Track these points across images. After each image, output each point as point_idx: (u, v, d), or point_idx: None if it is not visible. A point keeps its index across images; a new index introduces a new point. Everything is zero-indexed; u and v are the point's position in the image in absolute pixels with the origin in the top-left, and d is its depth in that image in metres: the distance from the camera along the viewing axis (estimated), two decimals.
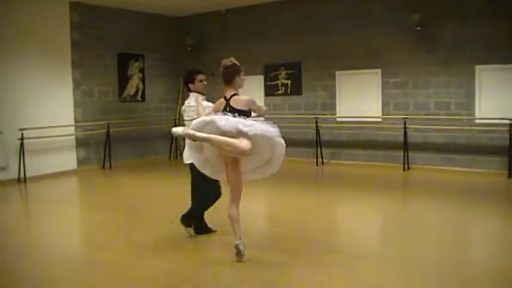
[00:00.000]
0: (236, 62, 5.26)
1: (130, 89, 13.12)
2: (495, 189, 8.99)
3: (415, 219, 7.05)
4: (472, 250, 5.91)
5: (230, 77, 5.20)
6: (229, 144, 4.78)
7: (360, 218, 7.29)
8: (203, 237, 6.11)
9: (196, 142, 5.12)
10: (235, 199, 5.25)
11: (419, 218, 7.05)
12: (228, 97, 5.18)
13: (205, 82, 6.05)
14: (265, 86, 12.45)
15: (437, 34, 10.38)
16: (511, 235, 6.25)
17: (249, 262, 5.13)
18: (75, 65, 11.75)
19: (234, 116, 4.95)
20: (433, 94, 10.61)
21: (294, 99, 12.07)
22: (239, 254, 5.13)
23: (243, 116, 5.03)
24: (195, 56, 13.56)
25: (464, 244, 6.06)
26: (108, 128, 12.12)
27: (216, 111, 5.16)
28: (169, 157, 13.85)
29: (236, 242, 5.13)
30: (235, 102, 5.12)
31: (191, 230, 6.03)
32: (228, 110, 5.09)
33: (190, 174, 5.95)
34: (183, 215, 5.97)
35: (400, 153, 10.80)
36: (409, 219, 7.17)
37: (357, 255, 5.42)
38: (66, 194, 9.92)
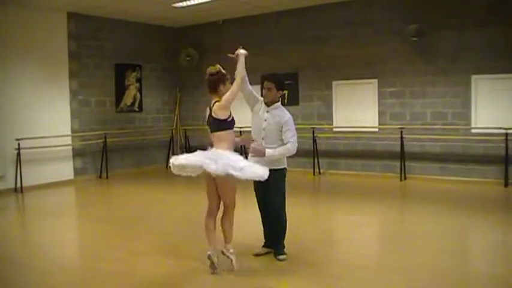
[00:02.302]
0: (222, 70, 5.19)
1: (128, 99, 13.14)
2: (492, 198, 9.01)
3: (413, 228, 7.05)
4: (471, 259, 5.91)
5: (214, 85, 5.15)
6: None
7: (357, 227, 7.28)
8: (202, 249, 6.10)
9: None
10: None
11: (417, 227, 7.05)
12: (211, 105, 5.16)
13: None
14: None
15: (434, 44, 10.44)
16: (509, 244, 6.26)
17: (246, 271, 5.12)
18: (72, 75, 11.76)
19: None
20: (429, 104, 10.65)
21: (291, 109, 11.80)
22: (212, 266, 5.11)
23: (222, 124, 5.05)
24: (192, 66, 13.59)
25: (463, 253, 6.06)
26: (105, 138, 12.12)
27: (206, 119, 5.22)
28: (166, 167, 13.84)
29: (208, 253, 5.10)
30: (215, 111, 5.09)
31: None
32: (210, 120, 5.14)
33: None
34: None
35: (397, 163, 10.83)
36: (407, 229, 7.17)
37: (355, 264, 5.42)
38: (63, 204, 9.89)
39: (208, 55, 13.40)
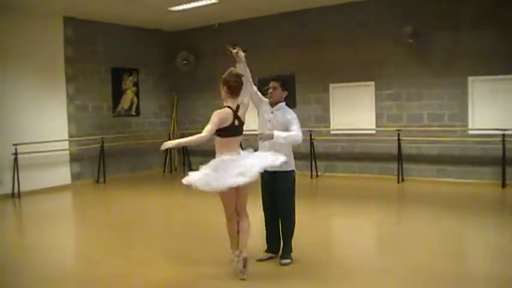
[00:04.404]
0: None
1: (125, 104, 13.14)
2: (489, 199, 9.02)
3: (411, 230, 7.05)
4: (468, 260, 5.92)
5: (240, 88, 5.09)
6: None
7: (355, 230, 7.29)
8: (200, 253, 6.10)
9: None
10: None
11: (415, 229, 7.05)
12: (234, 108, 5.06)
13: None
14: None
15: (430, 46, 10.46)
16: (506, 245, 6.26)
17: (247, 275, 5.08)
18: (69, 79, 11.76)
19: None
20: (426, 106, 10.67)
21: None
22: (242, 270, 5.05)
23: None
24: (189, 70, 13.58)
25: (461, 255, 6.07)
26: (102, 142, 12.10)
27: (222, 123, 4.92)
28: (164, 171, 13.84)
29: (242, 256, 5.06)
30: (243, 115, 5.11)
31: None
32: (237, 123, 5.04)
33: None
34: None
35: (394, 165, 10.83)
36: (404, 231, 7.17)
37: (353, 267, 5.42)
38: (61, 209, 9.87)
39: (205, 59, 13.42)
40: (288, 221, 5.51)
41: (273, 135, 5.15)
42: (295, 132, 5.31)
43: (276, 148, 5.27)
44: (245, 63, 5.30)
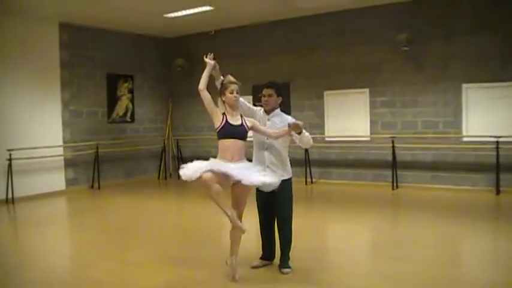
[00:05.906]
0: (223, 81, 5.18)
1: (120, 110, 13.12)
2: (484, 206, 9.05)
3: (406, 236, 7.07)
4: (463, 267, 5.92)
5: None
6: None
7: (350, 236, 7.30)
8: (196, 258, 6.09)
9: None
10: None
11: (410, 235, 7.07)
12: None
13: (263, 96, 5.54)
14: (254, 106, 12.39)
15: (425, 53, 10.53)
16: (501, 251, 6.28)
17: (241, 280, 5.09)
18: (64, 85, 11.73)
19: None
20: (420, 113, 10.72)
21: None
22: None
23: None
24: (184, 76, 13.60)
25: (456, 261, 6.07)
26: (97, 148, 12.07)
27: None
28: (158, 177, 13.83)
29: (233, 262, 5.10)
30: None
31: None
32: None
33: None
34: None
35: (389, 172, 10.86)
36: (399, 237, 7.18)
37: (348, 272, 5.43)
38: (55, 214, 9.83)
39: (200, 65, 13.36)
40: (288, 230, 5.46)
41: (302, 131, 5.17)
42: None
43: (272, 160, 5.30)
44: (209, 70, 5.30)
